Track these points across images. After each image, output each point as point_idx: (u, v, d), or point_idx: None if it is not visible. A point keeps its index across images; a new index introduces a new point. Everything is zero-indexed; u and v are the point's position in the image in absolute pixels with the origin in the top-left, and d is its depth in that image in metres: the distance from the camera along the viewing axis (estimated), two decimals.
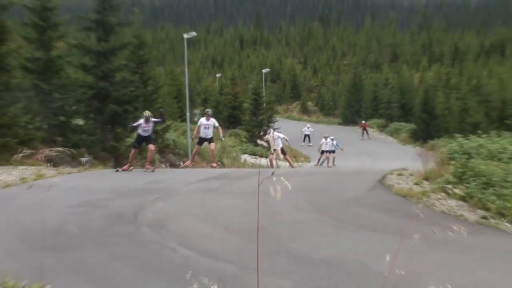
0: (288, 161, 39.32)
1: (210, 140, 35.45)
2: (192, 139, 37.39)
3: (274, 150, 36.67)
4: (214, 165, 36.07)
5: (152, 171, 30.32)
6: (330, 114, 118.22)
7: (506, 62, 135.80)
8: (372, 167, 36.68)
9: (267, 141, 43.52)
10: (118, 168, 31.15)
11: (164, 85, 65.91)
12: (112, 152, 38.58)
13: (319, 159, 55.92)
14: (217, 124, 35.48)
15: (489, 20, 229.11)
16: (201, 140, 35.59)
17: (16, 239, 16.25)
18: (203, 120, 35.53)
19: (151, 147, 31.31)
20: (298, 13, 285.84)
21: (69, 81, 37.63)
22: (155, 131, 46.07)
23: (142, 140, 31.04)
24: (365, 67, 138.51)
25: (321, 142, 56.24)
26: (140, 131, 30.80)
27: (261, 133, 71.39)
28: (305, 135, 76.18)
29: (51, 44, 37.40)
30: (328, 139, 54.22)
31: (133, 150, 30.99)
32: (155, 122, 31.28)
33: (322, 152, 54.89)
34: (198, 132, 35.79)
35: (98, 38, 40.11)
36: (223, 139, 39.17)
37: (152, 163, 33.81)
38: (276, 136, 41.42)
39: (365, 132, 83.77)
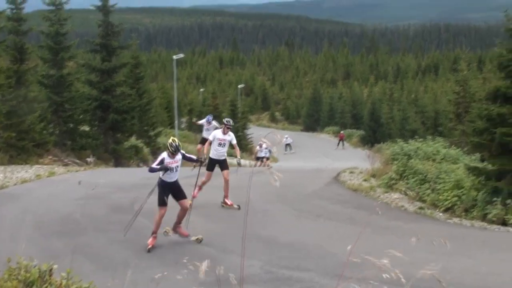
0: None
1: (223, 164, 19.55)
2: (199, 162, 17.30)
3: (258, 157, 32.61)
4: (230, 202, 19.37)
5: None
6: (294, 122, 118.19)
7: (439, 79, 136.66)
8: (329, 166, 36.64)
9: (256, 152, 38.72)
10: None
11: (156, 98, 65.80)
12: (112, 153, 38.52)
13: (254, 165, 53.51)
14: (234, 141, 19.61)
15: (425, 44, 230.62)
16: (212, 163, 19.57)
17: (31, 226, 16.15)
18: (218, 133, 19.38)
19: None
20: (268, 38, 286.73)
21: (77, 94, 37.60)
22: (148, 137, 45.91)
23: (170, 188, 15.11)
24: (323, 83, 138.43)
25: (256, 150, 54.47)
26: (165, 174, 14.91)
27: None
28: (286, 144, 74.47)
29: (63, 63, 37.41)
30: (263, 146, 52.61)
31: (161, 211, 14.51)
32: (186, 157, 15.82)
33: (257, 158, 52.66)
34: (209, 150, 19.81)
35: (102, 59, 40.01)
36: (240, 161, 21.53)
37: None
38: (209, 120, 34.30)
39: (341, 142, 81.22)
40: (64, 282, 5.42)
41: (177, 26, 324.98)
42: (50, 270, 5.52)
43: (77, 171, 29.70)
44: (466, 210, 20.23)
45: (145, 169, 34.45)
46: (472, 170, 21.20)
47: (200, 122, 30.10)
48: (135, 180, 25.78)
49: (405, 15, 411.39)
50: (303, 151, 68.04)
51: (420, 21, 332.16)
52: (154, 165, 14.50)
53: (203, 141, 27.94)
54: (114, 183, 24.72)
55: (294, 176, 28.84)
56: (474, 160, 22.87)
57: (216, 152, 19.00)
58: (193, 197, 17.66)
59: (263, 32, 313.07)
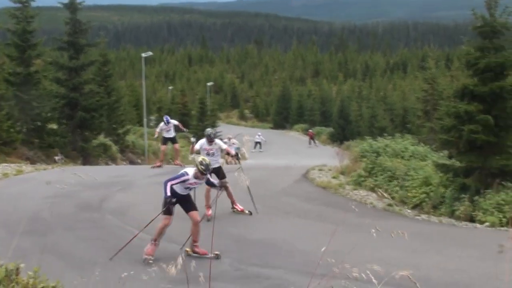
0: (176, 154, 32.62)
1: (218, 173, 17.52)
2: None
3: (167, 139, 29.79)
4: (240, 208, 18.75)
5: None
6: (263, 120, 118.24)
7: (407, 77, 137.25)
8: (298, 163, 36.68)
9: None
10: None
11: (125, 96, 65.71)
12: (81, 151, 38.25)
13: (226, 162, 51.78)
14: (224, 146, 19.37)
15: (393, 43, 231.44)
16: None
17: None
18: (204, 143, 18.24)
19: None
20: (237, 36, 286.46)
21: (45, 92, 37.26)
22: (117, 135, 45.71)
23: None
24: (292, 81, 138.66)
25: (224, 141, 53.47)
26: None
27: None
28: (256, 142, 73.52)
29: (30, 61, 37.01)
30: (232, 141, 51.26)
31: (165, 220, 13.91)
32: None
33: (228, 154, 51.24)
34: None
35: (70, 56, 39.69)
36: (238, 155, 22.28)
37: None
38: (168, 120, 32.42)
39: (312, 140, 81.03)
40: (31, 281, 5.40)
41: (146, 24, 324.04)
42: (17, 269, 5.49)
43: (45, 169, 29.54)
44: (434, 207, 20.40)
45: (112, 167, 34.31)
46: (440, 167, 21.36)
47: (159, 129, 29.43)
48: (103, 178, 25.62)
49: (374, 13, 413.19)
50: (273, 149, 68.07)
51: (389, 19, 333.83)
52: (169, 185, 12.82)
53: (165, 141, 29.01)
54: (82, 181, 24.56)
55: (263, 174, 28.87)
56: (442, 157, 23.02)
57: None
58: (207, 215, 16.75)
59: (232, 30, 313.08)
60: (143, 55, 56.36)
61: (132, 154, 45.82)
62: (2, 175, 25.30)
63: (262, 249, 13.54)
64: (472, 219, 18.80)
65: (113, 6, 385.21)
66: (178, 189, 12.99)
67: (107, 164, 39.29)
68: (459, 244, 15.48)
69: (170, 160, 34.68)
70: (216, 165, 17.48)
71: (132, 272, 6.80)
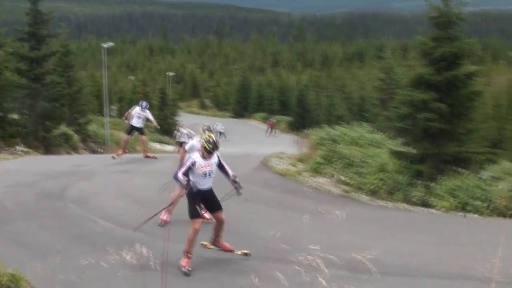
0: (144, 145, 29.15)
1: None
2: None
3: (133, 128, 26.51)
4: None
5: None
6: (224, 109, 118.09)
7: (364, 67, 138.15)
8: (257, 152, 36.71)
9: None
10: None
11: (86, 86, 65.09)
12: (42, 141, 37.93)
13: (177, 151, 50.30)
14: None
15: (351, 33, 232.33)
16: None
17: None
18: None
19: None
20: (198, 27, 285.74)
21: (6, 82, 36.80)
22: (78, 124, 45.38)
23: None
24: (252, 71, 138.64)
25: (176, 134, 52.09)
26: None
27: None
28: (219, 133, 72.46)
29: None
30: (184, 132, 49.90)
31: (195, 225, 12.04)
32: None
33: (178, 143, 49.70)
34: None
35: (31, 47, 39.24)
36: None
37: None
38: (145, 107, 27.25)
39: (270, 129, 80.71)
40: None
41: (108, 15, 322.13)
42: None
43: (7, 159, 29.30)
44: (390, 193, 20.58)
45: (73, 156, 34.10)
46: (396, 154, 21.60)
47: (132, 111, 26.47)
48: (64, 167, 25.48)
49: (333, 4, 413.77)
50: (233, 137, 68.06)
51: (348, 10, 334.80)
52: (180, 173, 11.30)
53: (131, 131, 26.97)
54: (44, 170, 24.40)
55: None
56: (397, 144, 23.20)
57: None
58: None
59: (192, 21, 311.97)
60: (104, 45, 55.93)
61: (93, 143, 45.56)
62: None
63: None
64: (426, 204, 19.04)
65: None
66: (198, 183, 11.35)
67: (68, 153, 39.02)
68: (414, 228, 15.66)
69: (131, 149, 34.20)
70: None
71: (92, 260, 6.77)
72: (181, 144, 23.57)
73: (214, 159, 11.48)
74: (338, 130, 27.43)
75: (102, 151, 43.39)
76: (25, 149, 33.96)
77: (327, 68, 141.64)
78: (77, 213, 16.17)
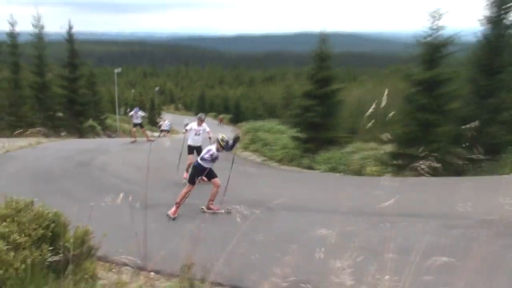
0: (146, 134, 26.54)
1: (199, 150, 14.71)
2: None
3: (135, 124, 25.20)
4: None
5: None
6: (189, 110, 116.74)
7: (275, 85, 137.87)
8: (212, 136, 36.37)
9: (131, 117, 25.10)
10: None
11: (105, 96, 64.14)
12: (77, 130, 37.31)
13: (159, 136, 45.37)
14: (208, 129, 15.37)
15: (267, 64, 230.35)
16: (191, 148, 15.16)
17: (26, 175, 15.45)
18: (194, 125, 15.33)
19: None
20: (174, 60, 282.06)
21: (55, 94, 36.73)
22: (100, 119, 44.46)
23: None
24: (207, 87, 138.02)
25: (161, 123, 48.91)
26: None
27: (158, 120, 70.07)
28: (185, 124, 70.78)
29: (44, 73, 35.93)
30: (166, 122, 47.64)
31: (189, 187, 11.08)
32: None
33: (161, 130, 46.33)
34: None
35: (69, 71, 38.17)
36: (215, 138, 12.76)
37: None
38: (136, 111, 26.26)
39: (221, 123, 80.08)
40: (40, 209, 5.24)
41: (117, 52, 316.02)
42: (32, 202, 5.32)
43: (55, 141, 28.68)
44: (290, 161, 20.71)
45: (97, 139, 33.34)
46: (293, 138, 21.76)
47: (131, 113, 26.56)
48: (91, 147, 25.02)
49: (255, 47, 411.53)
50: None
51: (265, 51, 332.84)
52: (206, 157, 10.89)
53: (135, 125, 26.33)
54: (77, 148, 23.89)
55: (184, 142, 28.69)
56: (294, 132, 23.30)
57: (193, 140, 14.91)
58: (184, 178, 13.90)
59: (170, 56, 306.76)
60: (116, 70, 55.35)
61: (109, 131, 44.94)
62: (28, 145, 24.35)
63: (175, 190, 13.38)
64: (311, 168, 19.20)
65: (97, 40, 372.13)
66: (205, 164, 10.86)
67: (94, 137, 38.36)
68: (304, 182, 15.76)
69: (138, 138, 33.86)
70: (198, 144, 14.90)
71: (109, 202, 6.55)
72: (162, 131, 22.59)
73: (222, 153, 11.08)
74: (258, 123, 27.52)
75: (114, 136, 42.77)
76: (67, 135, 33.36)
77: (252, 86, 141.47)
78: (100, 175, 15.89)
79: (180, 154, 14.72)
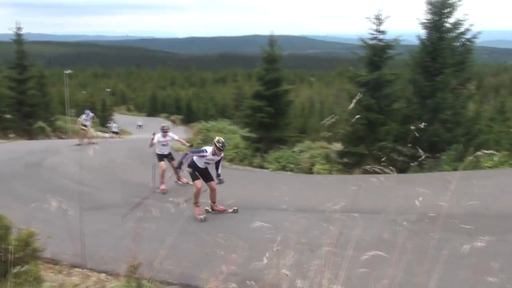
0: (118, 137, 26.60)
1: (169, 157, 14.56)
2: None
3: (85, 126, 24.69)
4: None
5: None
6: (141, 111, 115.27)
7: (226, 86, 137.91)
8: None
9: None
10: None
11: (55, 97, 62.45)
12: (26, 132, 36.60)
13: (111, 137, 43.70)
14: (176, 137, 14.77)
15: (218, 66, 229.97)
16: (161, 157, 14.35)
17: None
18: (159, 137, 14.13)
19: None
20: (125, 61, 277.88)
21: (3, 95, 35.70)
22: (49, 121, 43.39)
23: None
24: (158, 88, 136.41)
25: (109, 125, 48.41)
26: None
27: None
28: (138, 125, 69.96)
29: None
30: (114, 125, 47.02)
31: (198, 184, 10.63)
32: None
33: (112, 132, 45.27)
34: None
35: (18, 73, 37.54)
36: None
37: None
38: (88, 114, 26.32)
39: (173, 124, 79.41)
40: None
41: (68, 53, 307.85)
42: None
43: (3, 143, 27.97)
44: (241, 160, 20.74)
45: (47, 141, 32.64)
46: (244, 137, 21.78)
47: (80, 119, 26.35)
48: (41, 147, 24.50)
49: (209, 48, 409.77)
50: (148, 128, 66.64)
51: (217, 52, 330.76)
52: (200, 155, 10.56)
53: (85, 126, 26.01)
54: (27, 149, 23.33)
55: (138, 142, 28.46)
56: (245, 131, 23.37)
57: (160, 150, 14.06)
58: (162, 190, 13.27)
59: (121, 57, 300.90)
60: (66, 72, 54.58)
61: (59, 133, 43.98)
62: None
63: (140, 187, 13.23)
64: (262, 167, 19.32)
65: (46, 41, 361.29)
66: (199, 163, 10.53)
67: (44, 139, 37.53)
68: (255, 182, 15.88)
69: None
70: (167, 152, 14.26)
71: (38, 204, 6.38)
72: (113, 133, 22.58)
73: (219, 157, 10.57)
74: (210, 123, 27.45)
75: (65, 137, 41.90)
76: (15, 137, 32.61)
77: (204, 87, 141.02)
78: (49, 175, 15.62)
79: (153, 167, 13.81)
